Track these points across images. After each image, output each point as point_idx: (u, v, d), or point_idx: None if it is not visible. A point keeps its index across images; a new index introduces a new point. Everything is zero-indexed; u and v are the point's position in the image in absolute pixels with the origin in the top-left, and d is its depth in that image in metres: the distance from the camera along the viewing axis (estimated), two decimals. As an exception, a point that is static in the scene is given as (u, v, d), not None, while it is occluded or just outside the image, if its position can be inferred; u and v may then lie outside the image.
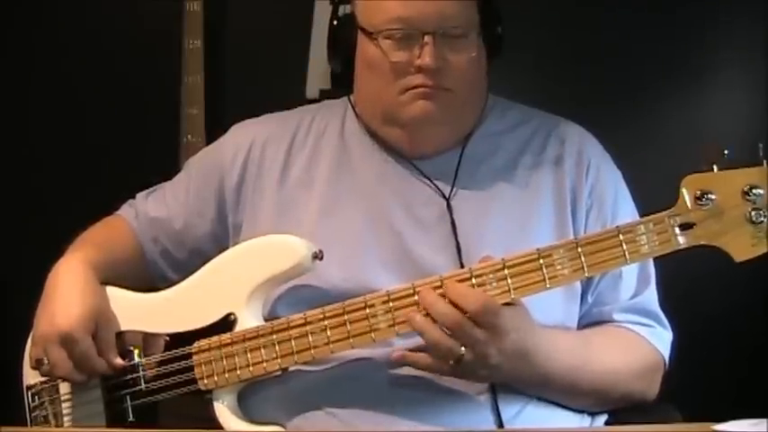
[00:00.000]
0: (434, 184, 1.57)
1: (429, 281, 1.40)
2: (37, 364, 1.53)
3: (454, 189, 1.56)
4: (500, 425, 1.44)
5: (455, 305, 1.36)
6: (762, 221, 1.33)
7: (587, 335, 1.53)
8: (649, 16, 2.57)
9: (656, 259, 1.52)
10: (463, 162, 1.58)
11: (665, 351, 1.57)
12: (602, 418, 1.54)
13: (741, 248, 1.34)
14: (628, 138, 2.42)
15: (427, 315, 1.37)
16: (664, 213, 1.37)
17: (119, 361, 1.53)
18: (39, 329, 1.52)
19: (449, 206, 1.54)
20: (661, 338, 1.57)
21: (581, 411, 1.52)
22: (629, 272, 1.56)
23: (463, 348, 1.36)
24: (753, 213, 1.34)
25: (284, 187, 1.60)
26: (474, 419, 1.44)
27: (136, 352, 1.55)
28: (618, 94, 2.59)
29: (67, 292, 1.53)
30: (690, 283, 2.38)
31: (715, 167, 1.35)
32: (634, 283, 1.57)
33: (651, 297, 1.59)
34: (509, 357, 1.38)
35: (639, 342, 1.55)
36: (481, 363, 1.38)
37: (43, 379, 1.58)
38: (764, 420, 1.20)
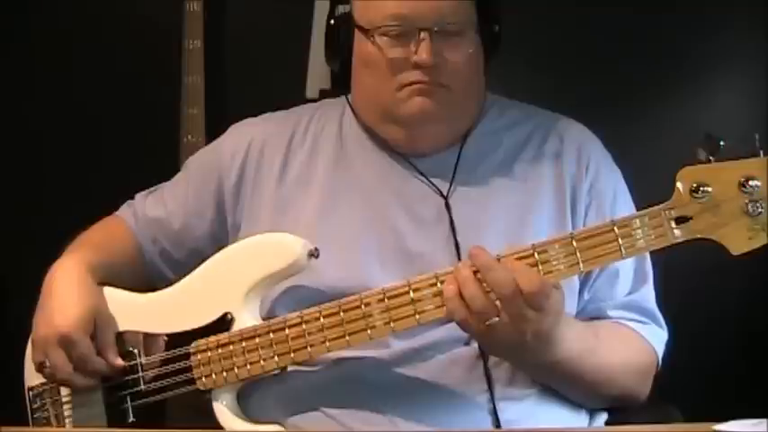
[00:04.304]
0: (432, 183, 1.56)
1: (425, 277, 1.39)
2: (40, 368, 1.53)
3: (452, 187, 1.56)
4: (497, 426, 1.44)
5: None
6: (759, 213, 1.30)
7: (594, 325, 1.51)
8: (649, 16, 2.56)
9: (657, 257, 1.51)
10: (462, 160, 1.58)
11: (659, 349, 1.56)
12: (603, 418, 1.54)
13: (738, 241, 1.31)
14: (627, 136, 2.42)
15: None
16: (659, 207, 1.35)
17: (118, 361, 1.53)
18: (38, 332, 1.52)
19: (447, 205, 1.54)
20: (655, 336, 1.57)
21: (579, 412, 1.52)
22: (626, 269, 1.55)
23: (496, 318, 1.32)
24: (749, 205, 1.30)
25: (282, 187, 1.60)
26: (472, 420, 1.43)
27: (136, 352, 1.55)
28: (618, 93, 2.59)
29: (65, 294, 1.53)
30: (690, 284, 2.39)
31: (711, 159, 1.32)
32: (630, 281, 1.56)
33: (648, 295, 1.58)
34: (538, 339, 1.35)
35: (636, 338, 1.55)
36: (513, 337, 1.33)
37: (45, 380, 1.58)
38: (765, 420, 1.20)
